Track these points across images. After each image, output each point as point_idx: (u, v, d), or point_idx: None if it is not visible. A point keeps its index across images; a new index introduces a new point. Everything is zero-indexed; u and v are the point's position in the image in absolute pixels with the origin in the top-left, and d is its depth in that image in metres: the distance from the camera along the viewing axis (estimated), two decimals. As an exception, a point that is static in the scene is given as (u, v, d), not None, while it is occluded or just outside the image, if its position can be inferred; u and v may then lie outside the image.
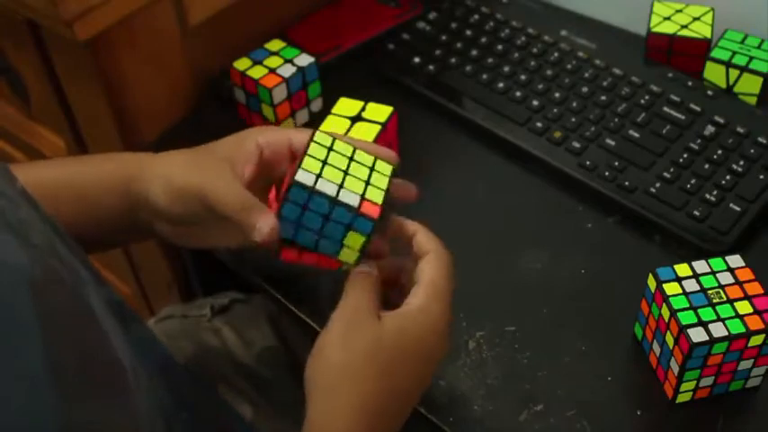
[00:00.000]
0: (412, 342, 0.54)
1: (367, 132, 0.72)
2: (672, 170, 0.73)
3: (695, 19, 0.83)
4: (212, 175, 0.58)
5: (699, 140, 0.75)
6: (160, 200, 0.60)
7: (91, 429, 0.39)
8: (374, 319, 0.53)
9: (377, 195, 0.55)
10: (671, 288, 0.59)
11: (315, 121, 0.76)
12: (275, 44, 0.81)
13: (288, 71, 0.78)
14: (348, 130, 0.72)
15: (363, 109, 0.74)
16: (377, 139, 0.71)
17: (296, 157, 0.61)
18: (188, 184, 0.59)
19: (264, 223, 0.54)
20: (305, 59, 0.79)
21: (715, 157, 0.74)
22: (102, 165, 0.66)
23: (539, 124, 0.79)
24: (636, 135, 0.77)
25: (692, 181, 0.72)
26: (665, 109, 0.78)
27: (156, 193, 0.60)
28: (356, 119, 0.73)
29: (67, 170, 0.66)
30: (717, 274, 0.60)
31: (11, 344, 0.35)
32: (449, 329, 0.56)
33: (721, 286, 0.59)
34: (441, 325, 0.55)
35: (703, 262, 0.61)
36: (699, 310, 0.58)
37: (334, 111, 0.74)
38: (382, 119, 0.73)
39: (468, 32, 0.88)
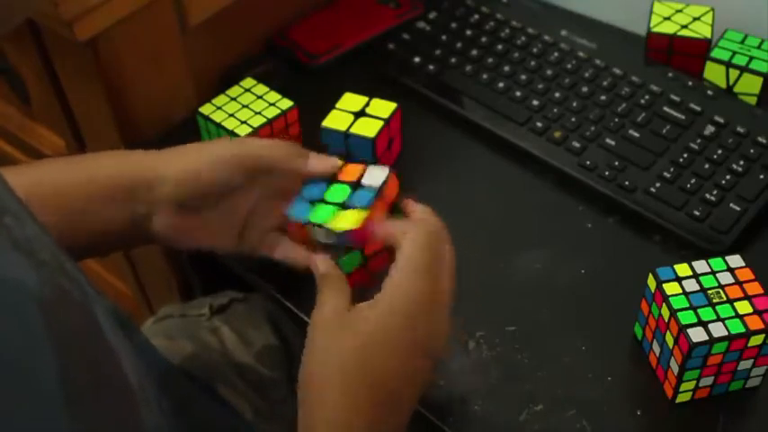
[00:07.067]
0: (393, 331, 0.51)
1: (370, 128, 0.72)
2: (672, 170, 0.73)
3: (695, 19, 0.83)
4: (250, 141, 0.67)
5: (699, 140, 0.75)
6: (190, 168, 0.61)
7: None
8: (350, 319, 0.52)
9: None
10: (671, 288, 0.59)
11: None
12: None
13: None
14: (351, 125, 0.72)
15: (367, 104, 0.74)
16: (380, 135, 0.72)
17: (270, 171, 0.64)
18: (231, 151, 0.62)
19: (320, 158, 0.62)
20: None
21: (715, 156, 0.74)
22: (96, 165, 0.65)
23: (539, 124, 0.79)
24: (636, 135, 0.76)
25: (692, 181, 0.72)
26: (665, 109, 0.78)
27: (182, 164, 0.61)
28: (360, 114, 0.74)
29: (54, 170, 0.63)
30: (717, 274, 0.60)
31: (24, 364, 0.34)
32: (445, 305, 0.53)
33: (721, 286, 0.59)
34: (425, 304, 0.51)
35: (703, 262, 0.61)
36: (699, 310, 0.58)
37: (338, 105, 0.74)
38: (385, 115, 0.73)
39: (469, 32, 0.88)
